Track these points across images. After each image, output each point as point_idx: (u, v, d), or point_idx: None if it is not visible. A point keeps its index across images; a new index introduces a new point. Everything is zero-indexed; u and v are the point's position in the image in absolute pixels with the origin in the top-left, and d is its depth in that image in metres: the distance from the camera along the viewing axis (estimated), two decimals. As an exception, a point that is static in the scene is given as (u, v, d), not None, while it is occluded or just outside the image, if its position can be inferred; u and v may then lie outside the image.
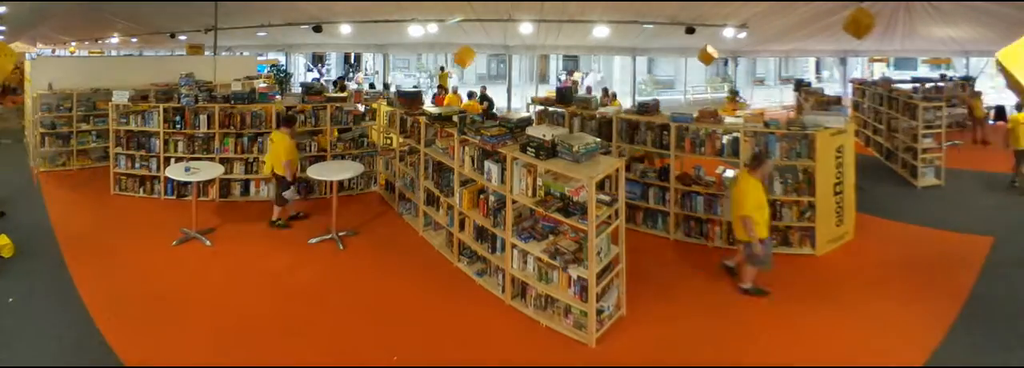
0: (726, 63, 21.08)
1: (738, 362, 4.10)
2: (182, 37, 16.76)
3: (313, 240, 6.32)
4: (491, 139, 4.94)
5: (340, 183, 7.30)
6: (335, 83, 17.48)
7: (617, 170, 4.55)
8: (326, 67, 26.72)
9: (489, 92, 14.99)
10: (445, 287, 5.27)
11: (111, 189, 8.07)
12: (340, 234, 6.38)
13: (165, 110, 7.84)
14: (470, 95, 13.75)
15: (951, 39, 14.06)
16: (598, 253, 4.31)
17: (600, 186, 4.35)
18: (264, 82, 13.56)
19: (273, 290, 5.19)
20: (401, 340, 4.38)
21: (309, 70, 24.81)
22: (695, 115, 6.56)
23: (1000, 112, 13.54)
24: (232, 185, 7.87)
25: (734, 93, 17.92)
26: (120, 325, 4.47)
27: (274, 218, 6.80)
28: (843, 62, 19.49)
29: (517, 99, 16.83)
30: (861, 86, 12.03)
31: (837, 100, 10.99)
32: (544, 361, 4.11)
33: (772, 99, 20.86)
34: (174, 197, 7.87)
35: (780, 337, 4.45)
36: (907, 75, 18.63)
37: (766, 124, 6.15)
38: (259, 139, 7.80)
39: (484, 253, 5.28)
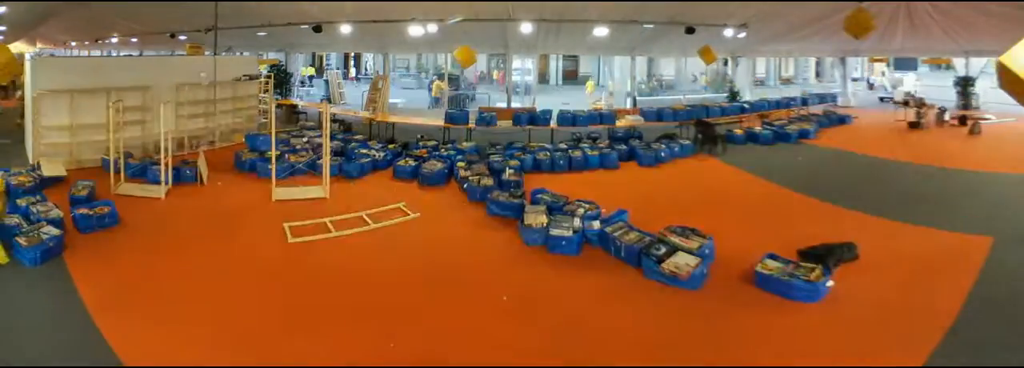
0: (726, 63, 21.07)
1: (737, 362, 4.09)
2: (182, 37, 16.77)
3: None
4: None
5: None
6: None
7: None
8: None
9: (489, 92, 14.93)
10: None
11: (112, 188, 8.07)
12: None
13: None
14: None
15: (951, 39, 14.06)
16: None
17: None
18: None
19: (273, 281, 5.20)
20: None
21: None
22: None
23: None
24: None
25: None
26: (120, 325, 4.47)
27: None
28: (843, 62, 19.48)
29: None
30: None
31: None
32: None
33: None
34: (174, 197, 7.89)
35: (779, 337, 4.46)
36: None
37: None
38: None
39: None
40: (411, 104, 19.62)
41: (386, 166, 9.79)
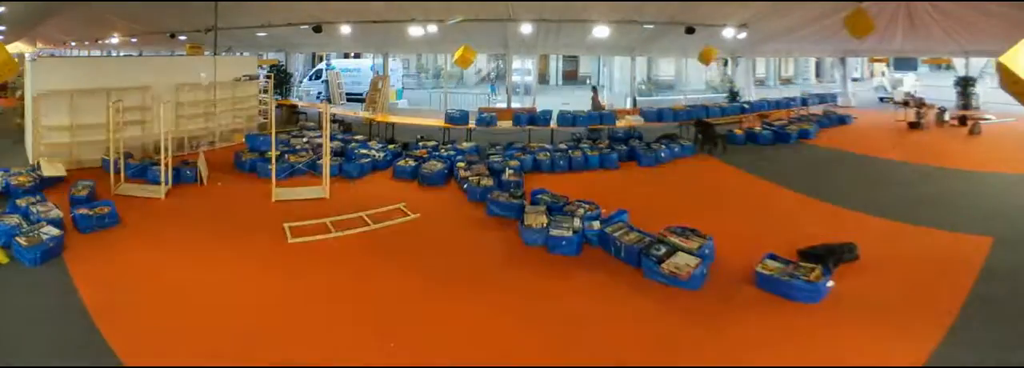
0: (726, 63, 21.07)
1: (737, 362, 4.10)
2: (182, 37, 16.77)
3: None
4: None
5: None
6: None
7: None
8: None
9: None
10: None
11: (112, 188, 8.07)
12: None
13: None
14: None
15: (951, 39, 14.05)
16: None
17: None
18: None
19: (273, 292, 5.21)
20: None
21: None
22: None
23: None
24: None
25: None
26: (120, 325, 4.47)
27: None
28: (843, 62, 19.47)
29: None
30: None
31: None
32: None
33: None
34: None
35: (779, 337, 4.46)
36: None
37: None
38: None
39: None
40: (411, 104, 19.65)
41: (386, 166, 9.80)
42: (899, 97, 17.10)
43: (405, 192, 8.43)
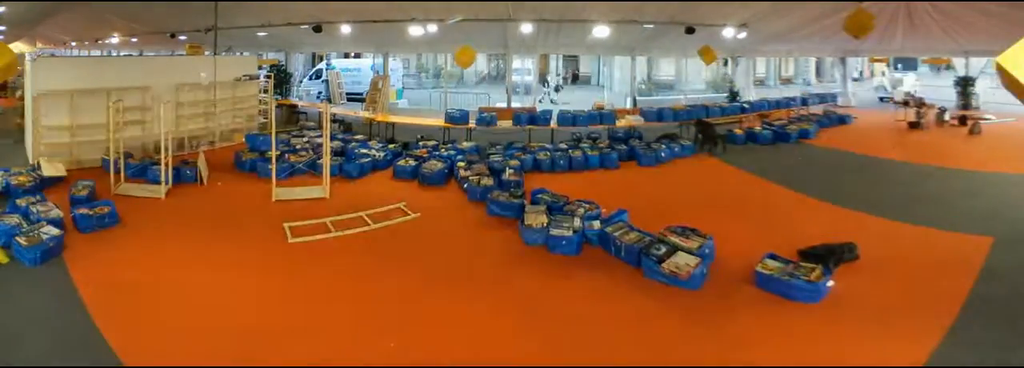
0: (726, 63, 21.07)
1: (737, 362, 4.10)
2: (182, 37, 16.77)
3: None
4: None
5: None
6: None
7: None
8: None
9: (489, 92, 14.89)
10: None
11: (112, 188, 8.07)
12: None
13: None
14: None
15: (951, 39, 14.04)
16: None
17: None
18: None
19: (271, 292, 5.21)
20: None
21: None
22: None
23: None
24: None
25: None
26: (120, 325, 4.47)
27: None
28: (843, 62, 19.47)
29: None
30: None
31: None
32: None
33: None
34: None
35: (779, 337, 4.46)
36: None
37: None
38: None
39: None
40: (411, 104, 19.65)
41: (386, 166, 9.79)
42: (899, 97, 17.10)
43: (405, 192, 8.43)
